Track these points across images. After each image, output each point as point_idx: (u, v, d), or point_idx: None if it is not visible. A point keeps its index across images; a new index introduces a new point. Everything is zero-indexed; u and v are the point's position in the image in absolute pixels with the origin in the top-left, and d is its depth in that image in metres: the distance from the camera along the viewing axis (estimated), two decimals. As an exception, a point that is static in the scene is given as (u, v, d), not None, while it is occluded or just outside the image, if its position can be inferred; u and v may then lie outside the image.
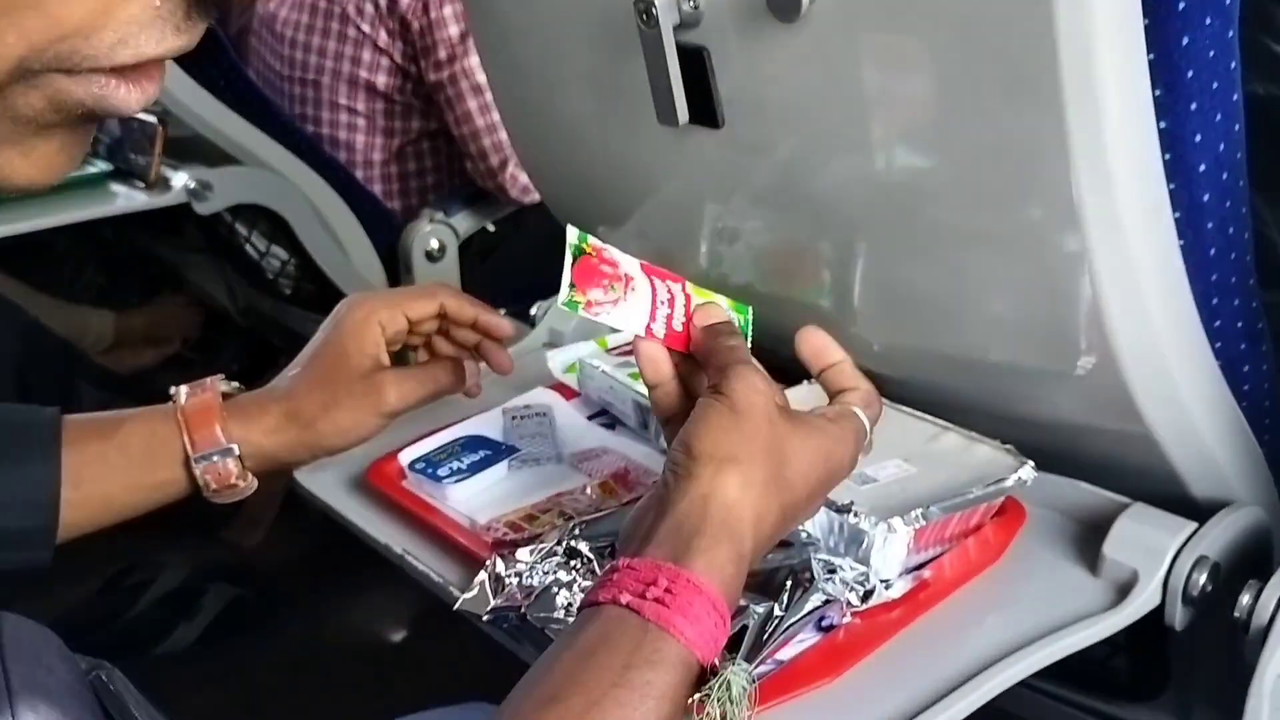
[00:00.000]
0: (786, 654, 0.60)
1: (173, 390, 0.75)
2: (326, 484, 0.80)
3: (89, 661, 0.54)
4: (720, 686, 0.50)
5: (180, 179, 1.58)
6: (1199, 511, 0.68)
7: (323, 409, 0.75)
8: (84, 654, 0.56)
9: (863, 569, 0.64)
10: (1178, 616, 0.65)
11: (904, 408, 0.76)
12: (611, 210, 0.93)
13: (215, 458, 0.72)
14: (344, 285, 1.67)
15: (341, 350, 0.76)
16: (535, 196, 1.66)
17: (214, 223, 1.67)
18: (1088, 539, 0.70)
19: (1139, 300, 0.62)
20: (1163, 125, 0.58)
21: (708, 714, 0.50)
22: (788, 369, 0.83)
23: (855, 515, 0.64)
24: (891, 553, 0.64)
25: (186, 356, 2.06)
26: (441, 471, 0.77)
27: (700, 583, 0.50)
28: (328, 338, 0.77)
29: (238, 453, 0.73)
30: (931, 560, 0.67)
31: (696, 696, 0.50)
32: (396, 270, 1.71)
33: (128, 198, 1.61)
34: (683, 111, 0.68)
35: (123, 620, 1.65)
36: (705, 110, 0.69)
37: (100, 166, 1.64)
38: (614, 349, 0.90)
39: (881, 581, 0.64)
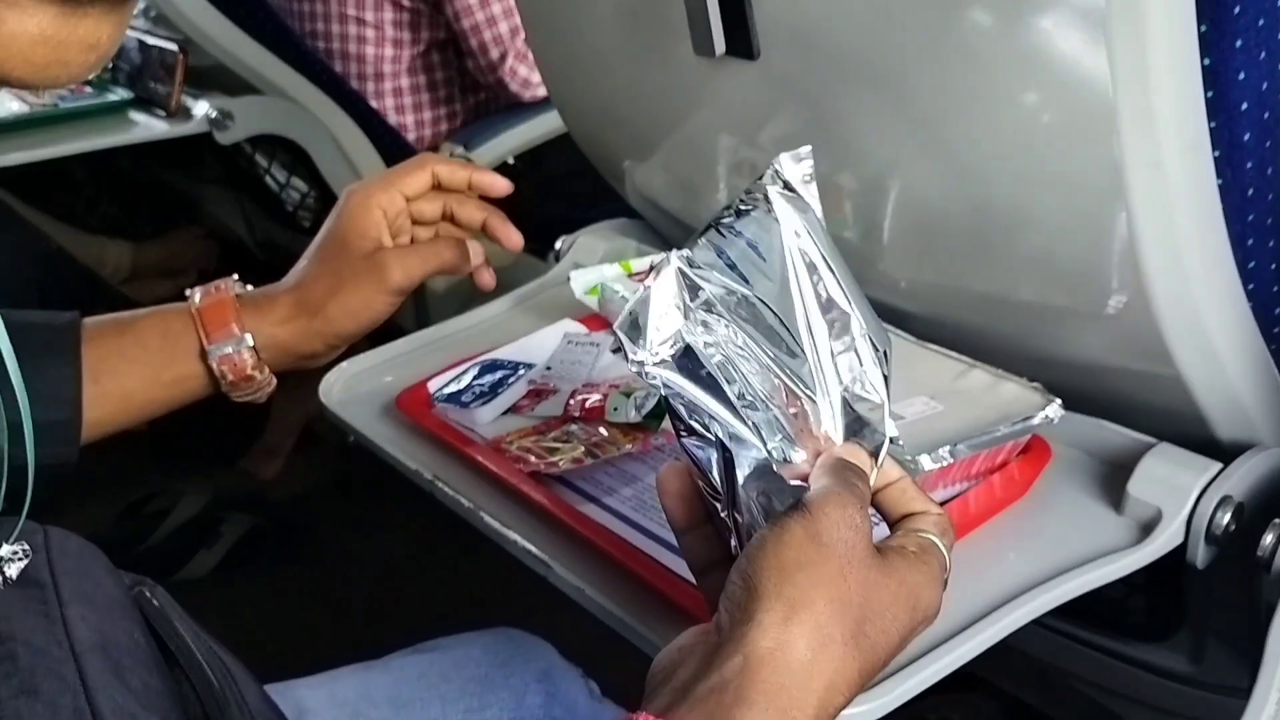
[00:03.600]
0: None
1: (188, 292, 0.76)
2: (358, 413, 0.81)
3: (131, 578, 0.55)
4: None
5: (201, 108, 1.57)
6: (1223, 453, 0.68)
7: (330, 293, 0.75)
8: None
9: (889, 503, 0.64)
10: (1199, 555, 0.66)
11: (931, 345, 0.76)
12: (638, 143, 0.93)
13: (229, 349, 0.73)
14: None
15: (343, 236, 0.77)
16: (535, 92, 1.65)
17: (233, 154, 1.66)
18: (1113, 478, 0.70)
19: (1174, 239, 0.62)
20: (1206, 62, 0.57)
21: None
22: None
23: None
24: (917, 488, 0.64)
25: (203, 289, 2.06)
26: (465, 397, 0.77)
27: None
28: (330, 227, 0.78)
29: (251, 343, 0.74)
30: (957, 496, 0.67)
31: None
32: (417, 204, 1.71)
33: (148, 127, 1.60)
34: (720, 41, 0.67)
35: (142, 547, 1.67)
36: (741, 41, 0.69)
37: (120, 94, 1.63)
38: (637, 274, 0.89)
39: (907, 516, 0.64)
